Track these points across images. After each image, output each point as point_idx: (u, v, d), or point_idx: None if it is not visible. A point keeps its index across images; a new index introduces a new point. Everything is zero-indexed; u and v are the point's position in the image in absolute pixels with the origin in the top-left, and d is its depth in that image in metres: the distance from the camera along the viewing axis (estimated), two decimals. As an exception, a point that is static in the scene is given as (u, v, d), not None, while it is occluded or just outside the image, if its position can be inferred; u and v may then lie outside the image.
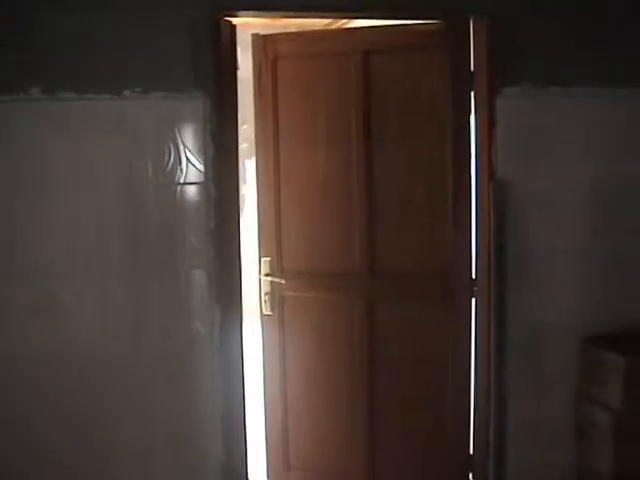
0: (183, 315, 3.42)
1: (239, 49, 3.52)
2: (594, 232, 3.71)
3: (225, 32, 3.38)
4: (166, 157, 3.35)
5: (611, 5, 3.61)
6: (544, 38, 3.57)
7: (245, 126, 4.24)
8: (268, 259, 3.89)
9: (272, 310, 3.89)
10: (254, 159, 3.98)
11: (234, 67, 3.46)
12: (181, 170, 3.37)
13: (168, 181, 3.36)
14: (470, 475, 3.83)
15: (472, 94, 3.64)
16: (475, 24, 3.55)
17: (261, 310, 3.93)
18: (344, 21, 4.81)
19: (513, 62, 3.53)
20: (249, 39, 3.87)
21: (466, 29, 3.57)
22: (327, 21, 4.62)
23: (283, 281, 3.85)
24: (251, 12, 3.48)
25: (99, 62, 3.27)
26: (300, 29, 4.09)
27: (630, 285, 3.76)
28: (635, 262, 3.75)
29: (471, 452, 3.82)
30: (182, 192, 3.38)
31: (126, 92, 3.29)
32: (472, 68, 3.63)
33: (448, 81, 3.64)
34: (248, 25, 3.90)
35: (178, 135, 3.35)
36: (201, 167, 3.36)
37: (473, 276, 3.68)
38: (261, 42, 3.86)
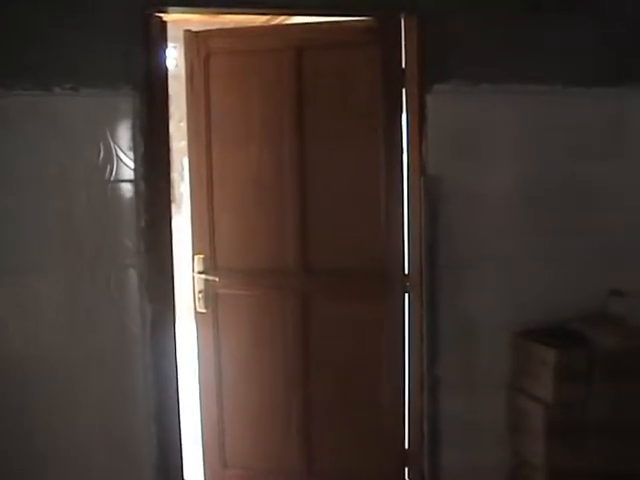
0: (115, 315, 3.39)
1: (177, 46, 3.49)
2: (526, 229, 3.75)
3: (155, 28, 3.35)
4: (97, 154, 3.32)
5: (540, 3, 3.63)
6: (475, 36, 3.59)
7: (182, 123, 4.22)
8: (201, 256, 3.87)
9: (206, 308, 3.87)
10: (190, 157, 3.94)
11: (164, 63, 3.42)
12: (112, 167, 3.34)
13: (99, 179, 3.33)
14: (406, 469, 3.84)
15: (404, 91, 3.61)
16: (406, 21, 3.57)
17: (195, 308, 3.89)
18: (282, 18, 4.80)
19: (444, 59, 3.55)
20: (185, 36, 3.83)
21: (398, 26, 3.59)
22: (265, 18, 4.60)
23: (217, 279, 3.83)
24: (181, 8, 3.45)
25: (28, 58, 3.20)
26: (237, 26, 4.06)
27: (561, 281, 3.81)
28: (566, 259, 3.80)
29: (406, 447, 3.81)
30: (113, 190, 3.35)
31: (56, 89, 3.24)
32: (404, 65, 3.60)
33: (380, 78, 3.65)
34: (187, 21, 3.86)
35: (108, 132, 3.32)
36: (131, 164, 3.33)
37: (406, 272, 3.67)
38: (193, 38, 3.83)
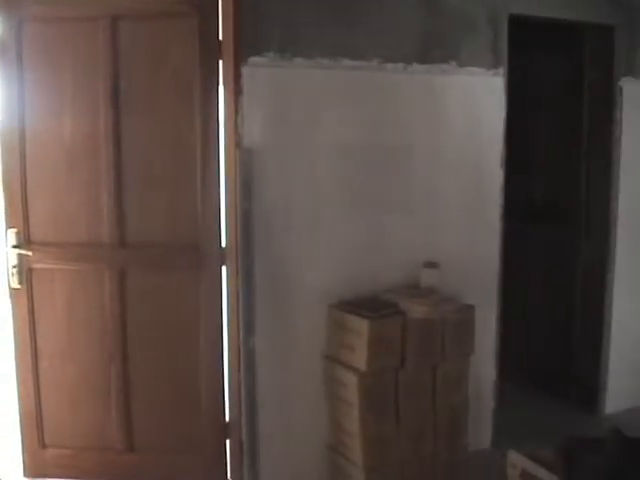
0: None
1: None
2: (343, 201, 3.82)
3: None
4: None
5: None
6: (291, 9, 3.64)
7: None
8: (15, 230, 3.75)
9: (20, 283, 3.76)
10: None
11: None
12: None
13: None
14: (227, 442, 3.84)
15: (220, 63, 3.60)
16: (223, -7, 3.54)
17: (9, 284, 3.77)
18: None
19: (260, 32, 3.57)
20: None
21: (215, -3, 3.54)
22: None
23: (30, 253, 3.72)
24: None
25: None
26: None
27: (377, 253, 3.91)
28: (382, 232, 3.90)
29: (227, 420, 3.81)
30: None
31: None
32: (220, 37, 3.58)
33: (196, 50, 3.61)
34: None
35: None
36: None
37: (223, 244, 3.67)
38: (5, 4, 3.68)
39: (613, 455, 3.23)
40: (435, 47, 3.97)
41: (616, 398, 4.83)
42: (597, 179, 4.85)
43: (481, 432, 4.35)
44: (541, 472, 3.35)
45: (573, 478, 3.22)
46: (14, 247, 3.77)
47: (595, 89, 4.83)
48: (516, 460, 3.49)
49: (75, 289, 3.78)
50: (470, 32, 4.07)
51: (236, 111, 3.55)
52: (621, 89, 4.66)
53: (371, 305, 3.71)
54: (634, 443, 3.31)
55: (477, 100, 4.15)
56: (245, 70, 3.55)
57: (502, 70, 4.18)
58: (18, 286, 3.79)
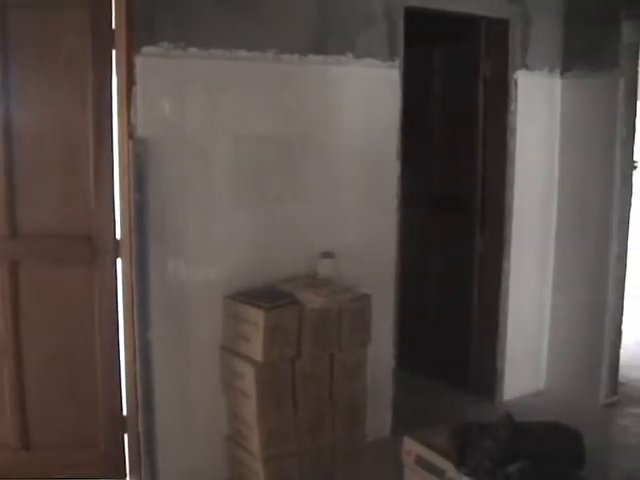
0: None
1: None
2: (239, 193, 3.82)
3: None
4: None
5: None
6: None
7: None
8: None
9: None
10: None
11: None
12: None
13: None
14: (125, 436, 3.80)
15: (114, 52, 3.55)
16: (115, -18, 3.49)
17: None
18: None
19: (154, 21, 3.54)
20: None
21: (105, -15, 3.49)
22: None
23: None
24: None
25: None
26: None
27: (273, 244, 3.94)
28: (279, 223, 3.92)
29: (124, 414, 3.77)
30: None
31: None
32: (114, 26, 3.53)
33: (89, 38, 3.55)
34: None
35: None
36: None
37: (118, 236, 3.62)
38: None
39: (504, 440, 3.31)
40: (331, 39, 3.99)
41: (513, 385, 4.95)
42: (493, 170, 4.95)
43: (381, 420, 4.41)
44: (435, 457, 3.42)
45: (466, 462, 3.29)
46: None
47: (491, 81, 4.93)
48: (410, 446, 3.55)
49: (-36, 283, 3.67)
50: (366, 24, 4.10)
51: (129, 101, 3.49)
52: (516, 81, 4.77)
53: (267, 296, 3.72)
54: (523, 428, 3.40)
55: (373, 91, 4.19)
56: (138, 60, 3.50)
57: (398, 62, 4.23)
58: None
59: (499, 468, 3.18)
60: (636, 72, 4.80)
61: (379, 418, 4.35)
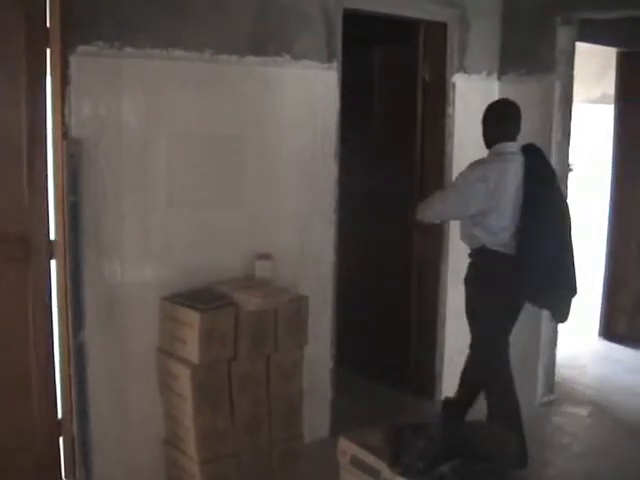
0: None
1: None
2: (175, 194, 3.82)
3: None
4: None
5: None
6: (122, -1, 3.55)
7: None
8: None
9: None
10: None
11: None
12: None
13: None
14: (60, 439, 3.76)
15: (48, 51, 3.51)
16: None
17: None
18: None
19: (89, 20, 3.50)
20: None
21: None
22: None
23: None
24: None
25: None
26: None
27: (210, 245, 3.92)
28: (215, 225, 3.92)
29: (59, 417, 3.73)
30: None
31: None
32: (48, 24, 3.49)
33: (23, 37, 3.49)
34: None
35: None
36: None
37: (52, 237, 3.58)
38: None
39: (438, 439, 3.35)
40: (269, 40, 4.00)
41: (452, 385, 4.99)
42: (431, 172, 5.00)
43: (319, 421, 4.43)
44: (369, 458, 3.44)
45: (400, 462, 3.32)
46: None
47: (430, 84, 4.98)
48: (346, 447, 3.56)
49: None
50: (305, 25, 4.12)
51: (63, 101, 3.46)
52: (454, 85, 4.82)
53: (204, 297, 3.71)
54: (457, 427, 3.44)
55: (311, 93, 4.21)
56: (73, 59, 3.46)
57: (336, 64, 4.25)
58: None
59: (432, 468, 3.21)
60: (571, 76, 4.88)
61: (317, 419, 4.37)
